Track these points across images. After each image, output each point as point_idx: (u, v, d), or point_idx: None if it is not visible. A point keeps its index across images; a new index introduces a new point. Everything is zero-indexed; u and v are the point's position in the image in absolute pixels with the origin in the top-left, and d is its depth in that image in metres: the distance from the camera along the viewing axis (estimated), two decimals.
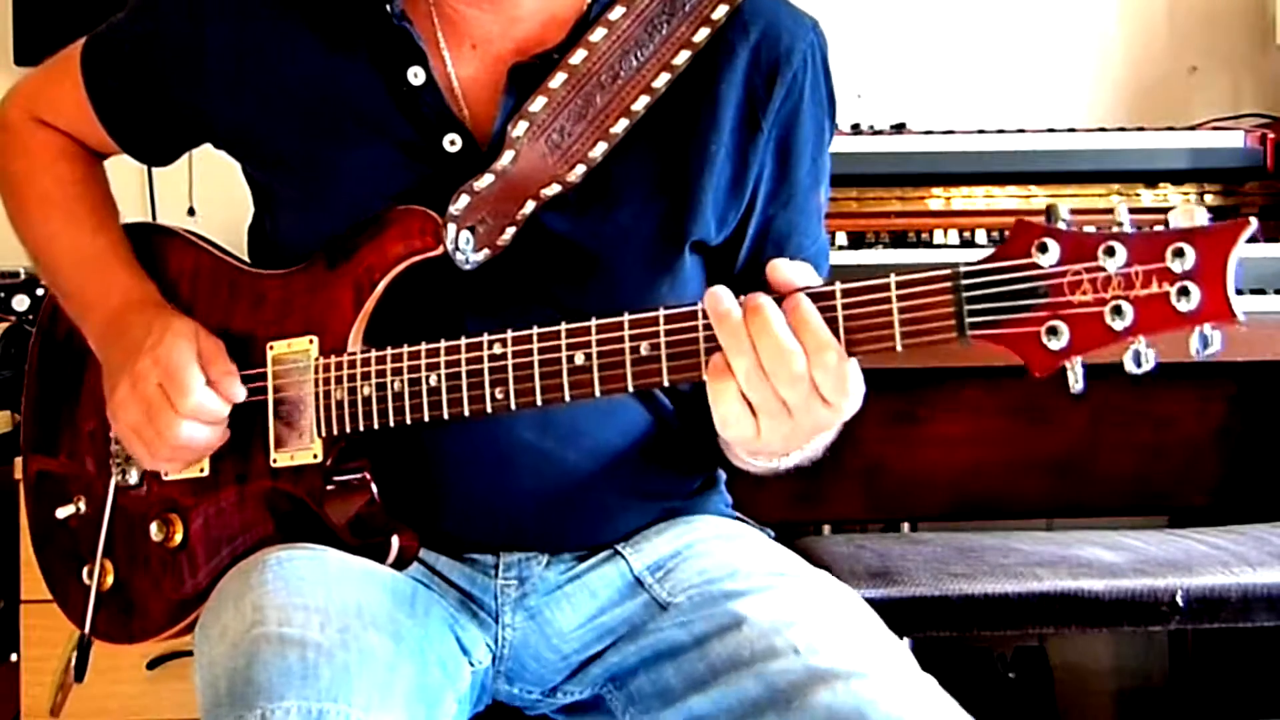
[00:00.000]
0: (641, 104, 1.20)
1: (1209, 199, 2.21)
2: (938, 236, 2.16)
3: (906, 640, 2.22)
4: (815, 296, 0.98)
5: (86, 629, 1.34)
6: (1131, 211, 0.92)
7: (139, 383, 1.22)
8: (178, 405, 1.20)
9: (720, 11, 1.22)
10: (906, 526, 2.35)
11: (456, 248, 1.17)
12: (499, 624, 1.24)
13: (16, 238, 1.42)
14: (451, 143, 1.22)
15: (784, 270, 1.00)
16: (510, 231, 1.19)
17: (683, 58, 1.21)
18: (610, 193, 1.21)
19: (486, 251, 1.19)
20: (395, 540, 1.18)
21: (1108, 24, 2.68)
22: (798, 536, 1.95)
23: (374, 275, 1.20)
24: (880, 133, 2.22)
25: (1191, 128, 2.31)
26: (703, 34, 1.21)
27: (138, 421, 1.23)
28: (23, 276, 2.41)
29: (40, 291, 2.39)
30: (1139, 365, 0.89)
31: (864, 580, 1.67)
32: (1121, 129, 2.30)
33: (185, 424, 1.21)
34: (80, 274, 1.36)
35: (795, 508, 2.18)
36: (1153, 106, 2.59)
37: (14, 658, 2.11)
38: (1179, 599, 1.66)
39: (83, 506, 1.38)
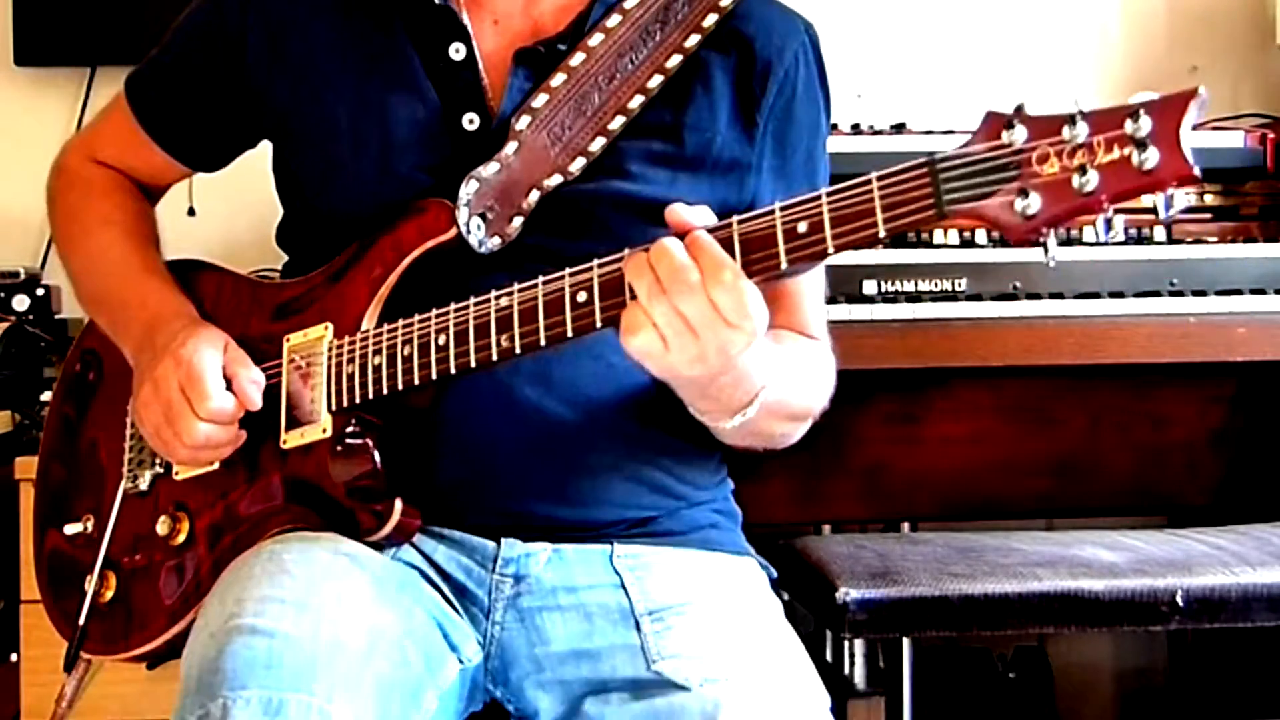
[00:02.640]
0: (637, 103, 1.26)
1: (1209, 199, 2.20)
2: (938, 236, 2.15)
3: (906, 641, 2.24)
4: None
5: (81, 621, 1.36)
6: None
7: (160, 385, 1.26)
8: (197, 408, 1.23)
9: (710, 19, 1.28)
10: (906, 526, 2.34)
11: (469, 231, 1.21)
12: (489, 620, 1.24)
13: (63, 267, 1.49)
14: (470, 122, 1.27)
15: (680, 213, 1.07)
16: (518, 221, 1.24)
17: (674, 61, 1.27)
18: (612, 168, 1.26)
19: (498, 240, 1.23)
20: (398, 504, 1.20)
21: (1108, 24, 2.68)
22: (798, 536, 1.95)
23: (390, 263, 1.24)
24: (880, 133, 2.22)
25: (1191, 128, 2.30)
26: (694, 40, 1.28)
27: (158, 422, 1.27)
28: (22, 276, 2.41)
29: (40, 291, 2.39)
30: (1109, 231, 0.96)
31: (864, 580, 1.67)
32: None
33: (203, 426, 1.24)
34: (126, 284, 1.41)
35: (795, 508, 2.18)
36: None
37: (14, 658, 2.11)
38: (1179, 599, 1.66)
39: (89, 527, 1.40)
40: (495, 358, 1.13)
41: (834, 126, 2.19)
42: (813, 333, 1.34)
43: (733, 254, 1.04)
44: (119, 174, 1.49)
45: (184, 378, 1.24)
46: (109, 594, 1.35)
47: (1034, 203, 0.95)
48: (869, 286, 1.98)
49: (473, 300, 1.16)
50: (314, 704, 1.01)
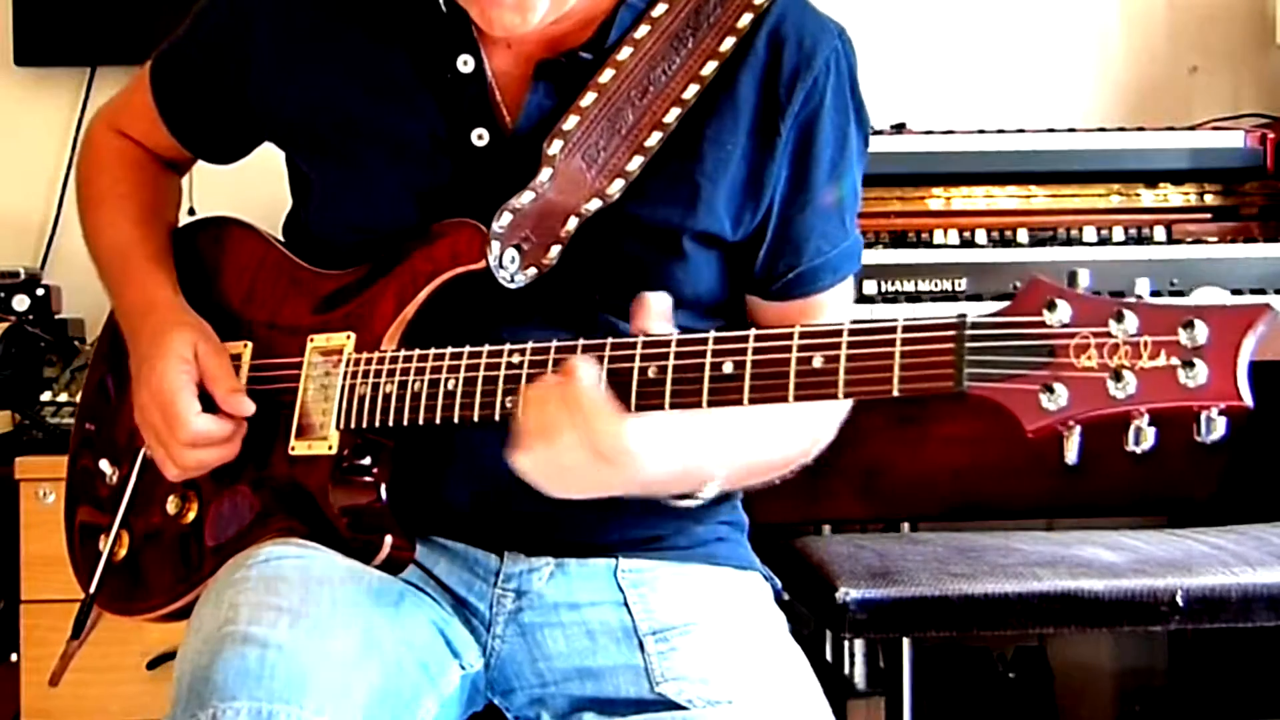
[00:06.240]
0: (673, 116, 1.21)
1: (1209, 199, 2.21)
2: (938, 236, 2.16)
3: (906, 641, 2.24)
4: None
5: (92, 589, 1.36)
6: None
7: (143, 412, 1.28)
8: (178, 436, 1.25)
9: (745, 20, 1.23)
10: (906, 526, 2.35)
11: (500, 265, 1.18)
12: (489, 633, 1.24)
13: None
14: (479, 137, 1.24)
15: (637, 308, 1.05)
16: (556, 250, 1.20)
17: (710, 68, 1.22)
18: (636, 189, 1.22)
19: (534, 270, 1.20)
20: (388, 539, 1.18)
21: (1108, 24, 2.68)
22: (798, 536, 1.95)
23: (419, 283, 1.22)
24: (880, 133, 2.22)
25: (1191, 128, 2.31)
26: (728, 43, 1.22)
27: (152, 443, 1.29)
28: (22, 276, 2.41)
29: (40, 291, 2.40)
30: (1137, 444, 0.86)
31: (864, 580, 1.67)
32: (1121, 129, 2.30)
33: (188, 452, 1.25)
34: (112, 265, 1.43)
35: (795, 508, 2.18)
36: (1153, 106, 2.59)
37: (14, 658, 2.11)
38: (1179, 599, 1.66)
39: (112, 479, 1.40)
40: (497, 418, 1.11)
41: None
42: None
43: (740, 383, 0.99)
44: (135, 147, 1.49)
45: (159, 408, 1.25)
46: (122, 552, 1.36)
47: (1061, 397, 0.86)
48: (869, 287, 1.98)
49: (487, 348, 1.13)
50: (304, 716, 1.01)
